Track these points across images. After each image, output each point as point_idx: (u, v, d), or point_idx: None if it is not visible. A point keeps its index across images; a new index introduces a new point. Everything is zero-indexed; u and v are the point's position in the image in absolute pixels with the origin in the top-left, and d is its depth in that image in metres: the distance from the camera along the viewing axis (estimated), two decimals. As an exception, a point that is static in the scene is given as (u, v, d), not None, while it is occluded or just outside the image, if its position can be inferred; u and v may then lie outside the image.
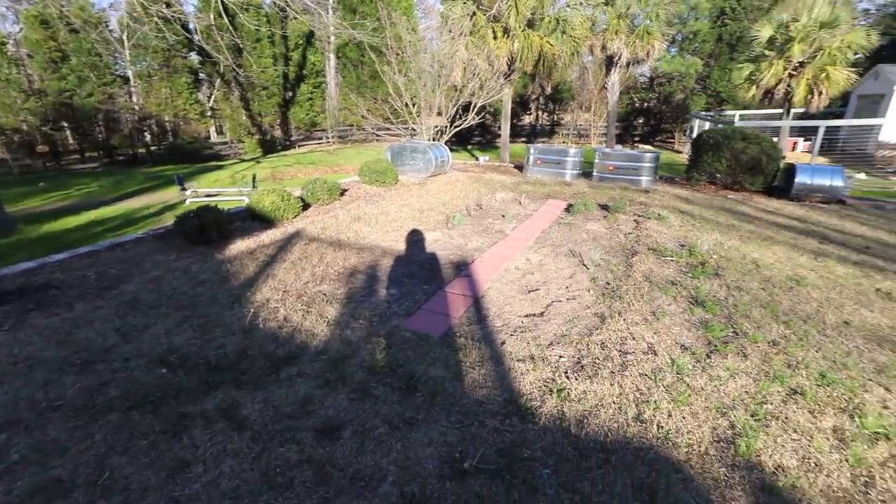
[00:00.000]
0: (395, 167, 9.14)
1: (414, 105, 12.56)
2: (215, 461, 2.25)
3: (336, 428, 2.48)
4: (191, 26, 19.52)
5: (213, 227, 5.31)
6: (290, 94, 23.88)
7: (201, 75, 22.35)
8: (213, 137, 24.24)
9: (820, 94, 13.05)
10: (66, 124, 19.22)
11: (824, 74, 12.73)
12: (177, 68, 20.51)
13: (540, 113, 26.24)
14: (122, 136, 19.96)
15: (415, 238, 5.83)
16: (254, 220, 6.21)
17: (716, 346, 3.36)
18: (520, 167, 11.82)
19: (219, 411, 2.59)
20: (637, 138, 24.51)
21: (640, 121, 25.08)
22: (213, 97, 22.67)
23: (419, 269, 4.85)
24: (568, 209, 7.52)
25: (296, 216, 6.41)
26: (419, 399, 2.72)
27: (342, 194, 7.75)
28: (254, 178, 11.18)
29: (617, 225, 6.65)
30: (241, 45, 12.75)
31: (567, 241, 5.88)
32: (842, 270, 5.00)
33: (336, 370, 2.96)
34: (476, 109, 12.23)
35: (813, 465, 2.30)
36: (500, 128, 16.07)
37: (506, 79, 13.99)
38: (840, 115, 19.08)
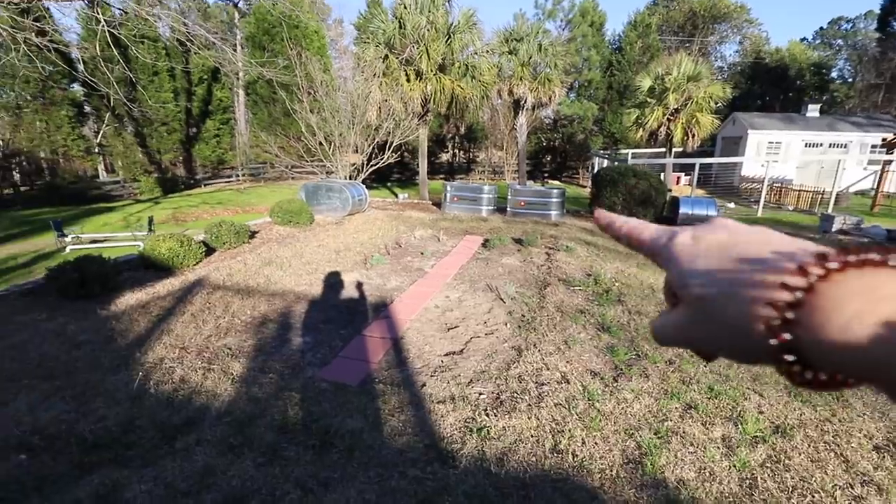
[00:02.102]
0: (311, 207, 8.90)
1: (329, 143, 12.47)
2: (87, 563, 1.91)
3: (240, 500, 2.23)
4: (73, 55, 17.85)
5: (95, 280, 4.71)
6: (194, 130, 22.48)
7: (87, 108, 20.30)
8: (103, 176, 21.89)
9: (693, 135, 15.31)
10: None
11: (695, 119, 15.01)
12: (55, 100, 18.40)
13: (456, 151, 27.37)
14: (-16, 175, 17.28)
15: (331, 280, 5.65)
16: (148, 268, 5.62)
17: (621, 369, 3.61)
18: (438, 204, 12.12)
19: (95, 498, 2.22)
20: (546, 174, 26.45)
21: (548, 158, 27.18)
22: (101, 132, 20.60)
23: (336, 314, 4.68)
24: (485, 244, 7.80)
25: (198, 263, 5.91)
26: (335, 455, 2.56)
27: (252, 237, 7.34)
28: (150, 220, 10.21)
29: (530, 258, 7.01)
30: (133, 79, 11.84)
31: (484, 276, 6.06)
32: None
33: (242, 433, 2.70)
34: (392, 148, 12.43)
35: (708, 474, 2.51)
36: (418, 165, 16.45)
37: (420, 119, 14.47)
38: (711, 154, 22.33)
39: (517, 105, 16.74)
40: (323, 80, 11.97)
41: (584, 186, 22.76)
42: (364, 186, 10.27)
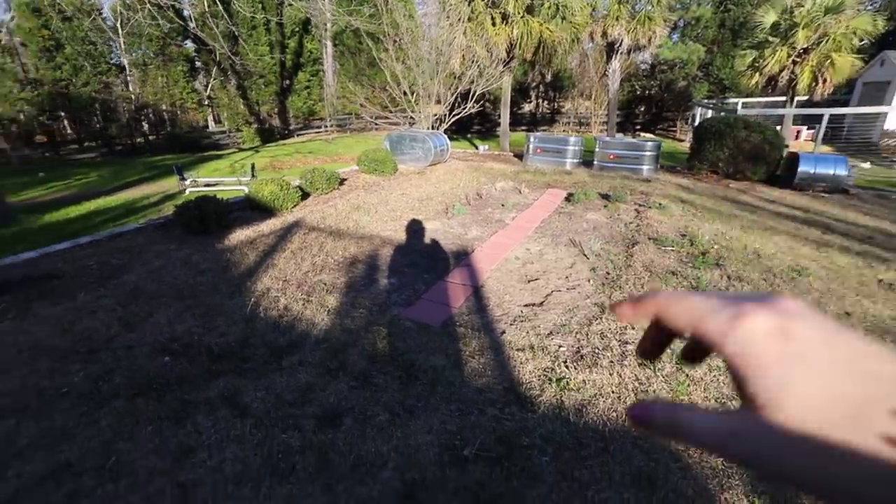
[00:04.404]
0: (394, 156, 9.09)
1: (413, 93, 12.46)
2: (219, 447, 2.29)
3: (337, 415, 2.51)
4: (185, 13, 19.30)
5: (212, 218, 5.31)
6: (287, 82, 23.64)
7: (198, 63, 22.11)
8: (212, 126, 24.04)
9: (824, 81, 12.88)
10: (63, 114, 19.07)
11: (829, 61, 12.54)
12: (172, 56, 20.27)
13: (540, 101, 25.96)
14: (120, 125, 19.80)
15: (414, 227, 5.83)
16: (253, 209, 6.20)
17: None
18: (520, 156, 11.77)
19: (222, 399, 2.62)
20: (638, 126, 24.35)
21: (642, 109, 24.88)
22: (210, 86, 22.44)
23: (418, 259, 4.87)
24: (568, 198, 7.50)
25: (295, 206, 6.40)
26: (419, 388, 2.75)
27: (341, 183, 7.73)
28: (252, 167, 11.12)
29: (617, 214, 6.64)
30: (236, 33, 12.60)
31: (567, 230, 5.88)
32: (844, 261, 5.01)
33: (337, 358, 2.99)
34: (475, 97, 12.11)
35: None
36: (499, 116, 15.94)
37: (505, 66, 13.83)
38: (845, 103, 18.88)
39: (610, 49, 15.31)
40: (408, 28, 11.81)
41: (682, 140, 20.69)
42: (446, 137, 10.22)
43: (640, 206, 7.11)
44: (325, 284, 4.11)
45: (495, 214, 6.57)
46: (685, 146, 16.50)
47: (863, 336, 0.23)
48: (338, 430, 2.40)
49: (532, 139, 10.55)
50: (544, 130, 23.55)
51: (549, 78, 24.28)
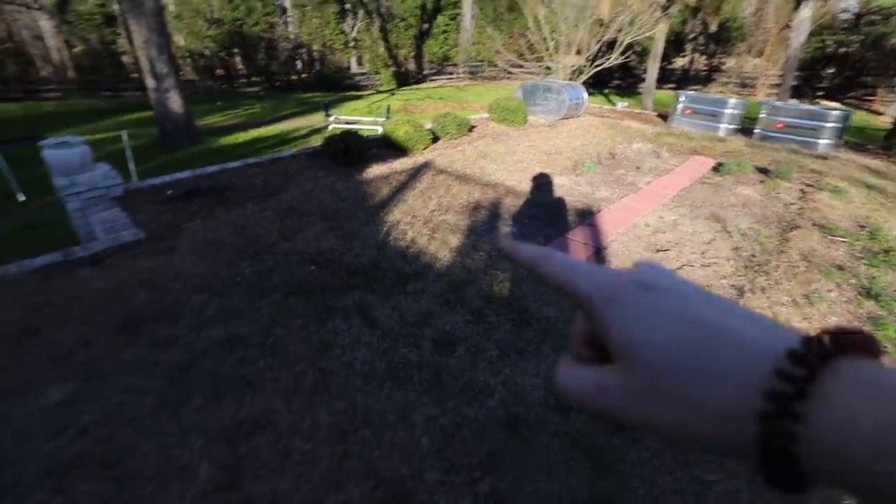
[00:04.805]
0: (526, 106, 8.82)
1: (552, 40, 11.73)
2: (351, 348, 2.65)
3: (452, 342, 2.71)
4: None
5: (354, 151, 5.80)
6: (426, 26, 23.86)
7: (347, 6, 23.30)
8: (353, 68, 25.55)
9: None
10: (236, 51, 21.78)
11: None
12: (326, -1, 21.63)
13: (697, 55, 22.58)
14: (279, 63, 22.06)
15: (540, 180, 5.72)
16: (388, 147, 6.61)
17: (885, 347, 2.87)
18: (663, 116, 10.59)
19: (355, 309, 2.99)
20: (821, 93, 20.03)
21: (830, 71, 20.30)
22: (355, 28, 23.65)
23: (541, 212, 4.81)
24: (716, 168, 6.65)
25: (426, 148, 6.66)
26: (531, 333, 2.82)
27: (470, 130, 7.79)
28: (388, 108, 11.70)
29: (776, 192, 5.74)
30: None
31: (710, 203, 5.28)
32: None
33: (455, 293, 3.18)
34: (622, 48, 11.00)
35: None
36: (645, 71, 14.34)
37: (663, 12, 12.21)
38: None
39: (805, -8, 12.55)
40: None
41: (880, 113, 16.69)
42: (584, 89, 9.57)
43: (807, 185, 6.04)
44: (448, 224, 4.31)
45: (628, 177, 6.12)
46: (884, 121, 13.33)
47: (714, 293, 0.25)
48: (451, 355, 2.61)
49: (682, 98, 9.38)
50: (696, 90, 20.68)
51: (712, 28, 20.90)
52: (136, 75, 20.36)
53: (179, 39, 20.04)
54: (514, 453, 2.04)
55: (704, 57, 22.43)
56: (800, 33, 13.44)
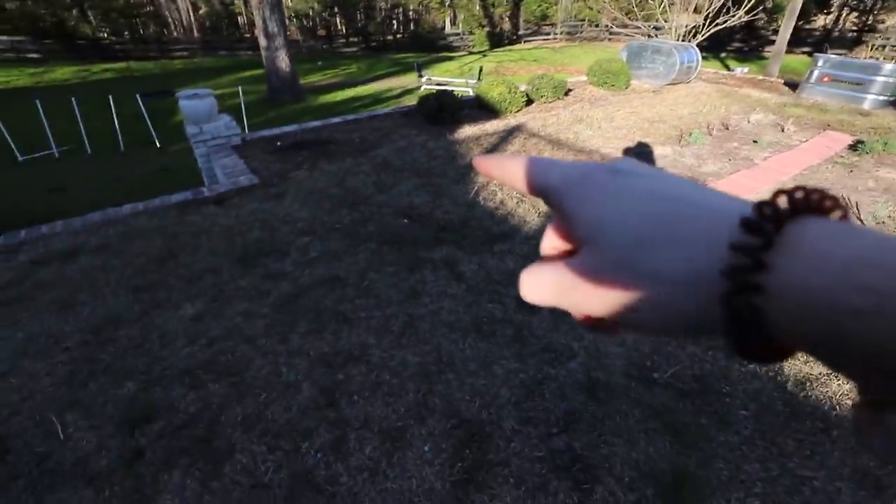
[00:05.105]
0: (630, 69, 8.16)
1: (668, -4, 10.58)
2: (438, 298, 2.78)
3: (535, 304, 2.73)
4: None
5: (447, 111, 5.83)
6: (527, -18, 22.70)
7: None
8: (447, 28, 25.22)
9: None
10: (337, 10, 22.46)
11: None
12: (427, -46, 21.28)
13: (845, 13, 18.98)
14: (376, 23, 22.43)
15: (639, 150, 5.35)
16: (480, 108, 6.54)
17: None
18: (792, 85, 9.22)
19: (443, 262, 3.11)
20: None
21: None
22: (453, -15, 23.15)
23: (637, 184, 4.53)
24: (854, 147, 5.72)
25: (518, 110, 6.49)
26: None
27: (566, 94, 7.42)
28: (480, 70, 11.48)
29: (934, 177, 4.84)
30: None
31: (841, 185, 4.60)
32: None
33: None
34: (753, 2, 9.60)
35: None
36: (774, 31, 12.44)
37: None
38: None
39: None
40: None
41: None
42: (697, 51, 8.61)
43: (980, 172, 5.01)
44: (537, 189, 4.24)
45: (742, 151, 5.50)
46: None
47: (681, 175, 0.24)
48: (534, 315, 2.64)
49: (820, 62, 8.04)
50: (841, 55, 17.58)
51: (875, -23, 17.39)
52: (248, 35, 21.91)
53: (287, 0, 21.08)
54: (593, 416, 2.05)
55: (856, 14, 18.83)
56: None
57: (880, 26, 18.11)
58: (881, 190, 4.53)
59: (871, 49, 16.27)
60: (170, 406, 2.11)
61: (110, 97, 8.46)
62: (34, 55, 17.66)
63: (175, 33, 21.70)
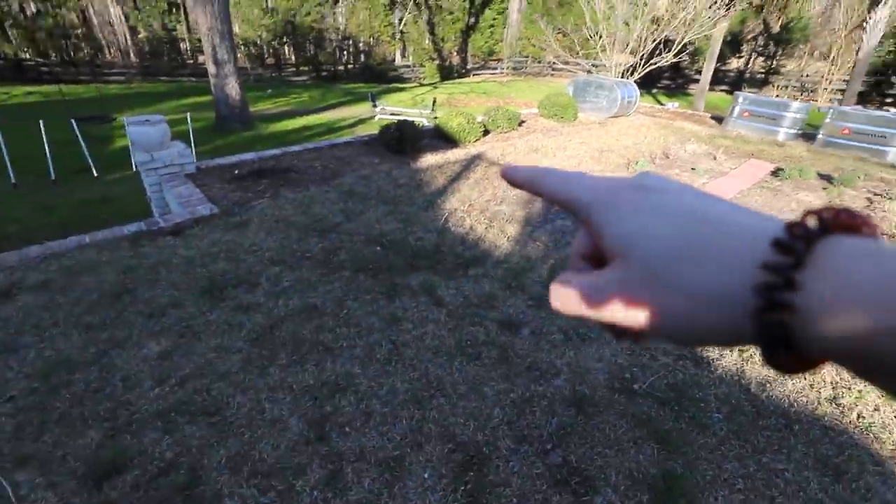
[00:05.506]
0: (576, 103, 8.76)
1: (607, 35, 11.55)
2: (420, 323, 2.78)
3: (516, 325, 2.81)
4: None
5: (409, 140, 5.94)
6: (472, 20, 23.87)
7: (396, -2, 23.59)
8: (398, 60, 25.84)
9: None
10: (286, 40, 22.41)
11: None
12: (376, -10, 21.91)
13: (754, 57, 21.64)
14: (327, 53, 22.57)
15: (591, 177, 5.71)
16: (439, 138, 6.72)
17: None
18: (717, 118, 10.29)
19: (421, 288, 3.12)
20: (890, 100, 18.86)
21: (902, 76, 19.05)
22: (403, 20, 23.89)
23: (594, 208, 4.81)
24: (775, 173, 6.45)
25: (477, 140, 6.74)
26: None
27: (520, 125, 7.82)
28: (434, 101, 11.83)
29: (840, 200, 5.53)
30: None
31: (769, 207, 5.15)
32: None
33: (516, 279, 3.27)
34: (679, 46, 10.71)
35: None
36: (696, 71, 13.91)
37: (726, 10, 11.78)
38: None
39: (884, -9, 11.82)
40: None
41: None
42: (636, 88, 9.41)
43: (874, 195, 5.78)
44: (504, 214, 4.39)
45: (682, 177, 6.02)
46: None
47: (705, 191, 0.24)
48: (516, 335, 2.70)
49: (740, 99, 9.08)
50: (753, 93, 19.81)
51: (774, 29, 19.97)
52: (191, 62, 21.26)
53: (235, 27, 20.78)
54: (583, 429, 2.12)
55: (762, 59, 21.45)
56: (873, 35, 12.71)
57: (783, 70, 20.75)
58: (801, 210, 5.09)
59: (777, 89, 18.53)
60: (142, 453, 1.94)
61: (41, 121, 7.87)
62: (-57, 77, 16.11)
63: (109, 56, 20.66)
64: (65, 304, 2.89)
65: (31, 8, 18.03)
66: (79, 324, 2.72)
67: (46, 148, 7.57)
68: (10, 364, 2.41)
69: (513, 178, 0.31)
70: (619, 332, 0.25)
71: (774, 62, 21.18)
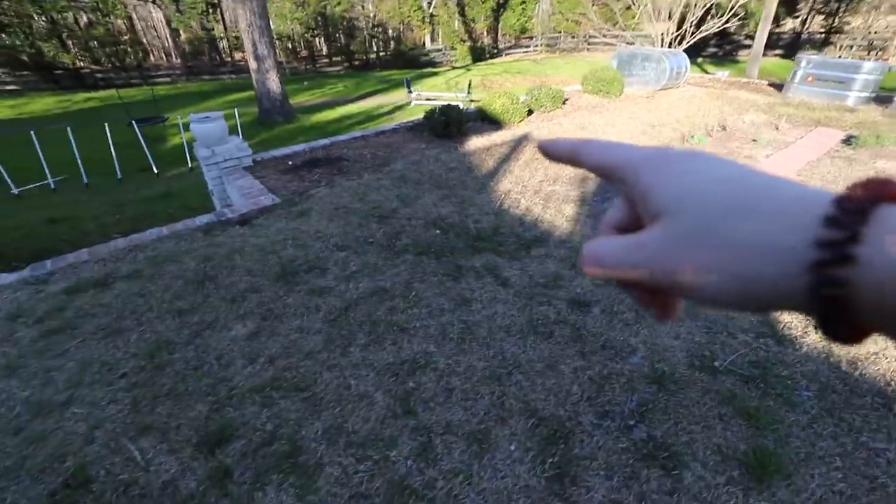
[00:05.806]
0: (622, 76, 8.44)
1: (646, 5, 11.01)
2: (489, 303, 2.82)
3: (586, 304, 2.80)
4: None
5: (454, 124, 5.94)
6: (503, -3, 23.32)
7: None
8: (428, 44, 25.64)
9: None
10: (318, 32, 22.67)
11: None
12: (406, -26, 21.72)
13: (812, 16, 19.95)
14: (359, 42, 22.69)
15: (644, 153, 5.53)
16: (483, 120, 6.68)
17: None
18: (775, 85, 9.66)
19: (485, 269, 3.16)
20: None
21: None
22: (433, 3, 23.61)
23: (651, 185, 4.68)
24: (847, 141, 6.02)
25: (521, 121, 6.65)
26: (663, 298, 2.83)
27: (564, 103, 7.63)
28: (469, 84, 11.70)
29: (925, 165, 5.12)
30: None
31: (844, 178, 4.83)
32: None
33: (580, 258, 3.24)
34: (733, 10, 10.06)
35: None
36: (747, 36, 13.05)
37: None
38: None
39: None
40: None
41: None
42: (685, 57, 8.95)
43: (965, 158, 5.31)
44: (559, 194, 4.34)
45: (744, 150, 5.73)
46: None
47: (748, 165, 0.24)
48: (587, 314, 2.70)
49: (803, 63, 8.46)
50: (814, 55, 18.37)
51: (835, -18, 18.35)
52: (229, 59, 21.90)
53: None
54: (666, 406, 2.11)
55: (822, 17, 19.77)
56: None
57: (847, 27, 19.03)
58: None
59: (840, 49, 17.08)
60: (245, 425, 2.09)
61: (105, 124, 8.38)
62: (11, 87, 17.36)
63: (154, 59, 21.59)
64: (155, 291, 3.11)
65: (83, 18, 19.04)
66: (171, 308, 2.93)
67: (112, 149, 8.07)
68: (118, 345, 2.63)
69: (552, 150, 0.30)
70: (655, 305, 0.26)
71: (836, 20, 19.46)
